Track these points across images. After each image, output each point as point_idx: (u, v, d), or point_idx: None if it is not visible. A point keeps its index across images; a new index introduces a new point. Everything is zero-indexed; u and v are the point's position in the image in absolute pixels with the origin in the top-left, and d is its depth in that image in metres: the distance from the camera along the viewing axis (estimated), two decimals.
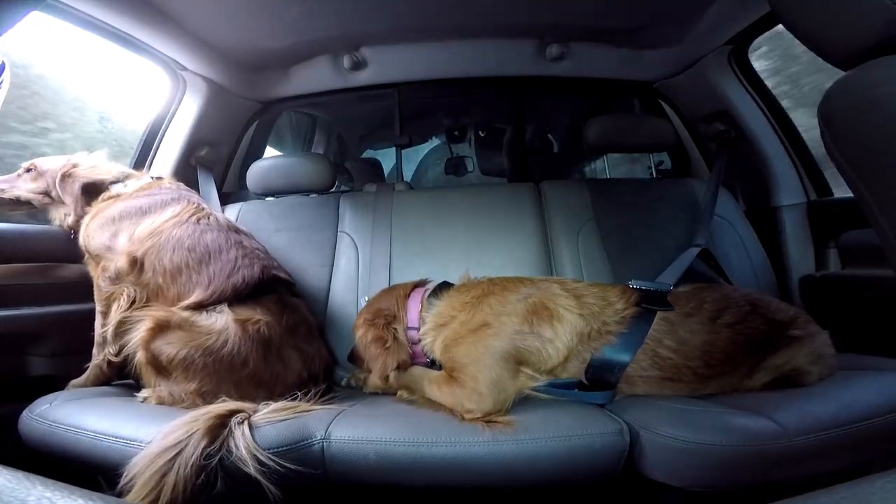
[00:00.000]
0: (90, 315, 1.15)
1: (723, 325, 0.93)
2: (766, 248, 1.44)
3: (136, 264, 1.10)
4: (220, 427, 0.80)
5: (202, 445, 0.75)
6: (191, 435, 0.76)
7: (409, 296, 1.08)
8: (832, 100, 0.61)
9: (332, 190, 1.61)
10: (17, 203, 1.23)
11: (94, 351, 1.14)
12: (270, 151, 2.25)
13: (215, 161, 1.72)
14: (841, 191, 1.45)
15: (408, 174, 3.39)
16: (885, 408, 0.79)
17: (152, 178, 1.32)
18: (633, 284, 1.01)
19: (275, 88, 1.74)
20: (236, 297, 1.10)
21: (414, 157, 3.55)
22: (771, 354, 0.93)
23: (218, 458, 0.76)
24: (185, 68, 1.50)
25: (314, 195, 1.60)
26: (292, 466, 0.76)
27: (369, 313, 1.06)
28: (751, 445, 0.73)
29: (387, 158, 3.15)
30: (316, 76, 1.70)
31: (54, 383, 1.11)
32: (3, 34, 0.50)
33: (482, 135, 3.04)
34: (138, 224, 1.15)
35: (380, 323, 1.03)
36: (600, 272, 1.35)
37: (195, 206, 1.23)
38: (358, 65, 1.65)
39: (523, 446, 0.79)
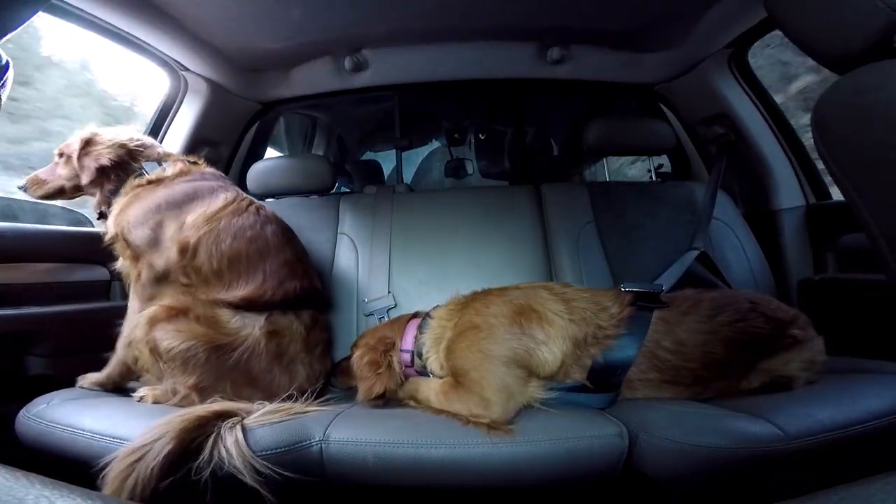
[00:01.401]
0: (90, 315, 1.15)
1: (721, 324, 0.92)
2: (765, 251, 1.44)
3: (188, 251, 1.05)
4: (196, 429, 0.78)
5: (168, 449, 0.73)
6: (158, 439, 0.74)
7: (409, 322, 1.09)
8: (824, 105, 0.61)
9: (332, 191, 1.61)
10: (61, 192, 1.20)
11: (119, 352, 1.08)
12: (271, 153, 2.26)
13: (216, 162, 1.72)
14: (839, 194, 1.45)
15: (407, 176, 3.40)
16: (883, 410, 0.79)
17: (189, 161, 1.24)
18: (625, 288, 1.00)
19: (276, 89, 1.75)
20: (282, 306, 1.07)
21: (414, 159, 3.55)
22: (770, 356, 0.92)
23: (209, 470, 0.74)
24: (186, 69, 1.51)
25: (314, 197, 1.60)
26: (288, 474, 0.75)
27: (373, 339, 1.07)
28: (749, 448, 0.73)
29: (387, 160, 3.15)
30: (317, 77, 1.70)
31: (52, 383, 1.11)
32: (9, 34, 0.50)
33: (482, 137, 3.05)
34: (188, 211, 1.09)
35: (379, 349, 1.04)
36: (600, 274, 1.36)
37: (245, 196, 1.19)
38: (359, 66, 1.66)
39: (523, 448, 0.79)
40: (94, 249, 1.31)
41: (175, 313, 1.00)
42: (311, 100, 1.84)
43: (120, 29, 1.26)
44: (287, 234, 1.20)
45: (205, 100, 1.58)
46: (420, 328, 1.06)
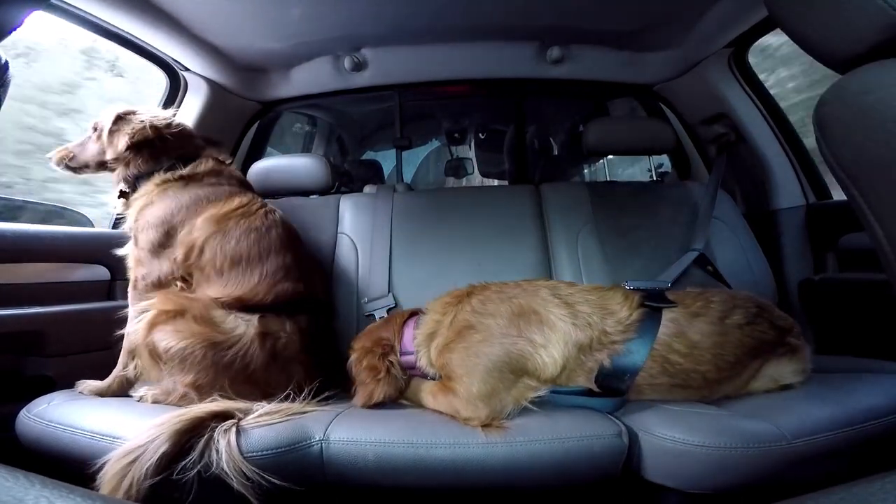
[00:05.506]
0: (90, 315, 1.15)
1: (732, 326, 0.91)
2: (765, 251, 1.44)
3: (195, 250, 1.06)
4: (191, 430, 0.78)
5: (162, 451, 0.73)
6: (153, 440, 0.75)
7: (405, 323, 1.06)
8: (826, 105, 0.61)
9: (332, 191, 1.61)
10: (86, 167, 1.19)
11: (122, 359, 1.08)
12: (271, 153, 2.26)
13: None
14: (839, 194, 1.45)
15: (407, 176, 3.40)
16: (883, 410, 0.79)
17: (219, 160, 1.23)
18: (630, 285, 0.98)
19: (276, 89, 1.75)
20: (273, 308, 1.07)
21: (414, 159, 3.55)
22: (772, 362, 0.92)
23: (195, 470, 0.74)
24: (186, 69, 1.51)
25: (314, 196, 1.60)
26: (275, 481, 0.75)
27: (369, 341, 1.05)
28: (750, 448, 0.73)
29: (387, 160, 3.15)
30: (317, 77, 1.70)
31: (51, 384, 1.11)
32: (8, 34, 0.50)
33: (482, 137, 3.05)
34: (201, 213, 1.10)
35: (377, 352, 1.01)
36: (599, 274, 1.35)
37: (259, 200, 1.20)
38: (359, 66, 1.66)
39: (522, 448, 0.79)
40: (94, 249, 1.31)
41: (173, 315, 1.00)
42: (311, 99, 1.84)
43: (120, 29, 1.26)
44: (292, 238, 1.19)
45: (205, 100, 1.58)
46: (416, 324, 1.04)
